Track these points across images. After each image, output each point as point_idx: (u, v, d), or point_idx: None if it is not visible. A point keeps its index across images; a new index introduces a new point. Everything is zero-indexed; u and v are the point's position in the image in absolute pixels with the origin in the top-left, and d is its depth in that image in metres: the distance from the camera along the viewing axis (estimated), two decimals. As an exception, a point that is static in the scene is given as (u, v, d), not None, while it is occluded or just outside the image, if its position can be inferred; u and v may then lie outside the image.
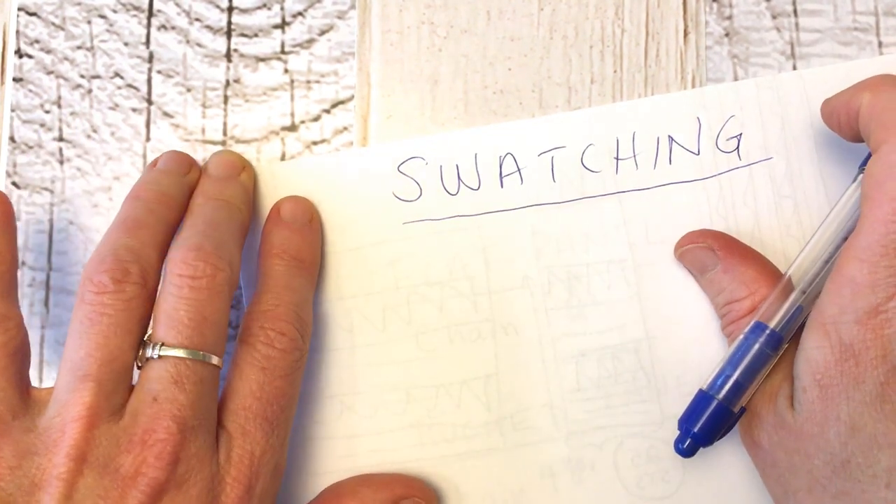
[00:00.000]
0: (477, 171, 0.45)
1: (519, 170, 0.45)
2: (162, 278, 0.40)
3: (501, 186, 0.45)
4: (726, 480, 0.43)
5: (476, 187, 0.45)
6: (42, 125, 0.47)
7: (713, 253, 0.42)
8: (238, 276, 0.41)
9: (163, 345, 0.38)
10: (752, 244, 0.43)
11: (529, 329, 0.44)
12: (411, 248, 0.45)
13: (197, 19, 0.47)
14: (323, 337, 0.45)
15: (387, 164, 0.45)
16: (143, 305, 0.39)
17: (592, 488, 0.43)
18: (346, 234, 0.45)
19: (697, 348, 0.43)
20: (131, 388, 0.38)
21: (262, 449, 0.39)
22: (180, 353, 0.38)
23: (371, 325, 0.45)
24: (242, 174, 0.44)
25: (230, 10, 0.47)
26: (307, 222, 0.44)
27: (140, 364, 0.38)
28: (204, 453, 0.37)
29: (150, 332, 0.39)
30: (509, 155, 0.45)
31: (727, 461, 0.43)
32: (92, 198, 0.47)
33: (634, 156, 0.44)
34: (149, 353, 0.38)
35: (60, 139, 0.47)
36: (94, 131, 0.47)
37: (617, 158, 0.44)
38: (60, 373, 0.38)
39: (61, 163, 0.47)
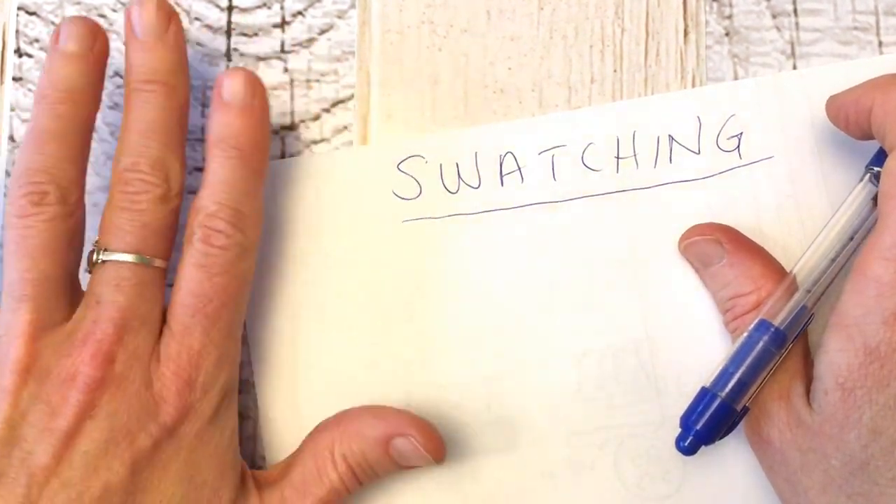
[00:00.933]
0: (477, 170, 0.45)
1: (519, 168, 0.45)
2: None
3: (502, 185, 0.45)
4: (727, 480, 0.43)
5: (476, 186, 0.45)
6: (41, 124, 0.47)
7: (720, 246, 0.42)
8: (183, 177, 0.41)
9: (105, 250, 0.39)
10: (754, 243, 0.43)
11: (530, 329, 0.44)
12: (411, 247, 0.45)
13: (197, 18, 0.47)
14: (322, 337, 0.45)
15: (386, 163, 0.45)
16: (67, 222, 0.40)
17: (593, 488, 0.43)
18: (346, 233, 0.45)
19: (698, 348, 0.43)
20: (76, 300, 0.40)
21: (200, 344, 0.39)
22: (121, 256, 0.39)
23: (370, 324, 0.45)
24: (169, 29, 0.41)
25: (230, 9, 0.47)
26: (249, 100, 0.41)
27: (90, 269, 0.40)
28: (143, 351, 0.39)
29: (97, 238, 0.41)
30: (509, 153, 0.45)
31: (728, 461, 0.43)
32: (91, 197, 0.46)
33: (635, 155, 0.44)
34: (94, 257, 0.39)
35: (60, 138, 0.47)
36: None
37: (617, 157, 0.44)
38: (3, 296, 0.39)
39: (61, 162, 0.47)
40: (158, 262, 0.40)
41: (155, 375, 0.39)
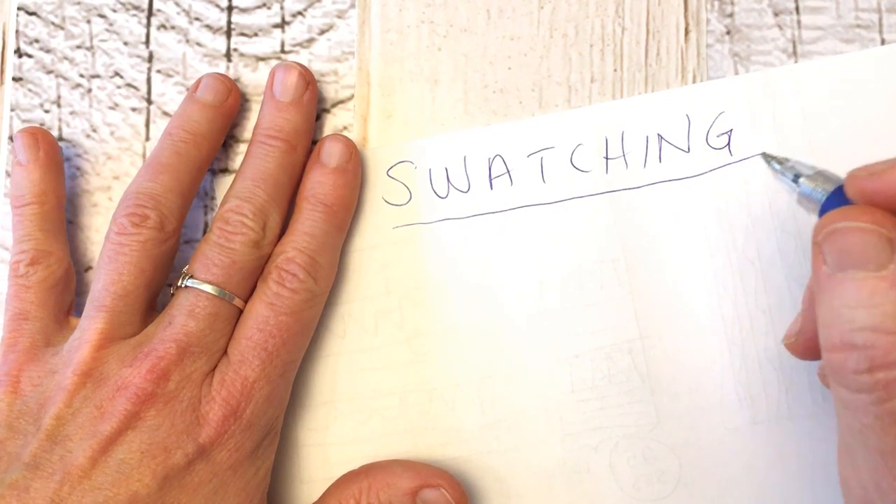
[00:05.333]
0: (466, 174, 0.45)
1: (508, 171, 0.45)
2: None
3: (491, 188, 0.45)
4: (723, 480, 0.42)
5: (466, 190, 0.45)
6: (42, 125, 0.47)
7: (890, 247, 0.29)
8: (279, 229, 0.43)
9: (191, 277, 0.42)
10: (747, 241, 0.42)
11: (522, 331, 0.44)
12: (402, 253, 0.45)
13: (197, 19, 0.47)
14: (316, 343, 0.45)
15: (375, 169, 0.46)
16: (159, 247, 0.42)
17: (588, 490, 0.43)
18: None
19: (692, 347, 0.43)
20: (149, 319, 0.43)
21: (256, 375, 0.41)
22: (203, 286, 0.41)
23: (363, 330, 0.45)
24: (305, 95, 0.45)
25: (230, 9, 0.47)
26: (344, 163, 0.44)
27: (173, 291, 0.43)
28: (198, 376, 0.41)
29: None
30: (498, 157, 0.45)
31: (723, 461, 0.42)
32: (91, 197, 0.47)
33: (624, 155, 0.44)
34: (179, 282, 0.42)
35: (60, 139, 0.47)
36: (94, 131, 0.47)
37: (606, 158, 0.44)
38: (86, 302, 0.42)
39: (61, 162, 0.47)
40: (237, 301, 0.42)
41: (205, 399, 0.40)
